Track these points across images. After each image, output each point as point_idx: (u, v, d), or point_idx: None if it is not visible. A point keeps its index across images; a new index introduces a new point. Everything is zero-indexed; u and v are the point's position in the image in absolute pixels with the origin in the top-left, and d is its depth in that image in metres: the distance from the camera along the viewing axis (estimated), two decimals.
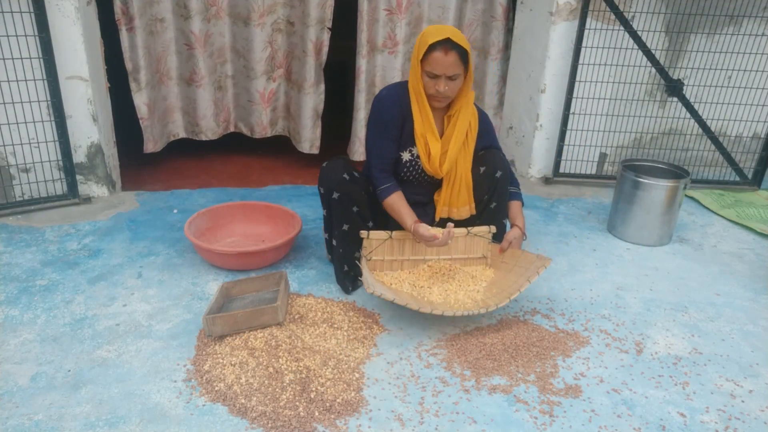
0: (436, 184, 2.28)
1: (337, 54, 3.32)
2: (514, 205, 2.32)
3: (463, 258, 2.30)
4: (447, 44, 1.99)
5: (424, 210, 2.30)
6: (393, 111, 2.14)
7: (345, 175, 2.14)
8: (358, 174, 2.22)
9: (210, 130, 3.46)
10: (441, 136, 2.19)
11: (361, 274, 2.11)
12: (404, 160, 2.21)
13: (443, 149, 2.17)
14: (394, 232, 2.20)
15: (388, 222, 2.27)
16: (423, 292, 2.14)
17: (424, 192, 2.29)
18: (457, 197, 2.23)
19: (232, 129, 3.54)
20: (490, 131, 2.32)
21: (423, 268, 2.25)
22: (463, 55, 2.01)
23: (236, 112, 3.52)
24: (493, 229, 2.27)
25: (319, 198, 2.28)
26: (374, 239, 2.19)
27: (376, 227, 2.26)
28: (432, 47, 2.00)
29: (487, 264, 2.31)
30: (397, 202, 2.16)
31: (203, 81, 3.31)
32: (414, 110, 2.13)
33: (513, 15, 3.48)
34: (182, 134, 3.45)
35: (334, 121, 3.41)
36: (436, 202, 2.29)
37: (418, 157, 2.20)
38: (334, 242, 2.24)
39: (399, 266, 2.26)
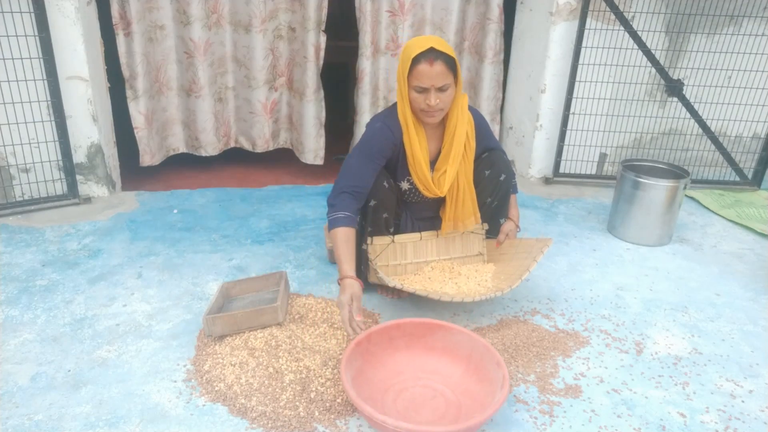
0: (441, 199, 2.22)
1: (333, 55, 3.28)
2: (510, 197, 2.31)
3: (462, 257, 2.30)
4: (431, 54, 1.87)
5: (432, 225, 2.27)
6: (385, 148, 2.04)
7: (385, 183, 2.08)
8: (394, 182, 2.15)
9: (210, 145, 3.35)
10: (439, 151, 2.12)
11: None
12: (404, 188, 2.17)
13: (441, 169, 2.10)
14: (396, 236, 2.20)
15: (398, 230, 2.26)
16: (435, 287, 2.14)
17: (430, 208, 2.27)
18: (462, 211, 2.19)
19: (232, 144, 3.45)
20: (488, 131, 2.29)
21: (427, 269, 2.25)
22: (450, 62, 1.90)
23: (237, 126, 3.42)
24: (486, 225, 2.28)
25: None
26: (378, 244, 2.18)
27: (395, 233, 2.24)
28: (416, 60, 1.88)
29: (484, 260, 2.32)
30: (343, 240, 1.91)
31: (203, 91, 3.21)
32: (405, 141, 2.05)
33: (506, 18, 3.46)
34: (182, 149, 3.35)
35: (329, 121, 3.39)
36: (442, 217, 2.25)
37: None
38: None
39: (403, 270, 2.26)
